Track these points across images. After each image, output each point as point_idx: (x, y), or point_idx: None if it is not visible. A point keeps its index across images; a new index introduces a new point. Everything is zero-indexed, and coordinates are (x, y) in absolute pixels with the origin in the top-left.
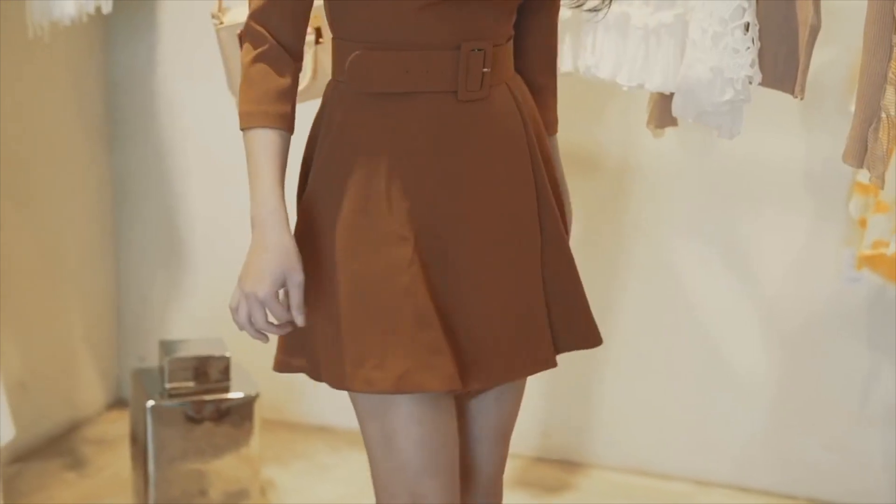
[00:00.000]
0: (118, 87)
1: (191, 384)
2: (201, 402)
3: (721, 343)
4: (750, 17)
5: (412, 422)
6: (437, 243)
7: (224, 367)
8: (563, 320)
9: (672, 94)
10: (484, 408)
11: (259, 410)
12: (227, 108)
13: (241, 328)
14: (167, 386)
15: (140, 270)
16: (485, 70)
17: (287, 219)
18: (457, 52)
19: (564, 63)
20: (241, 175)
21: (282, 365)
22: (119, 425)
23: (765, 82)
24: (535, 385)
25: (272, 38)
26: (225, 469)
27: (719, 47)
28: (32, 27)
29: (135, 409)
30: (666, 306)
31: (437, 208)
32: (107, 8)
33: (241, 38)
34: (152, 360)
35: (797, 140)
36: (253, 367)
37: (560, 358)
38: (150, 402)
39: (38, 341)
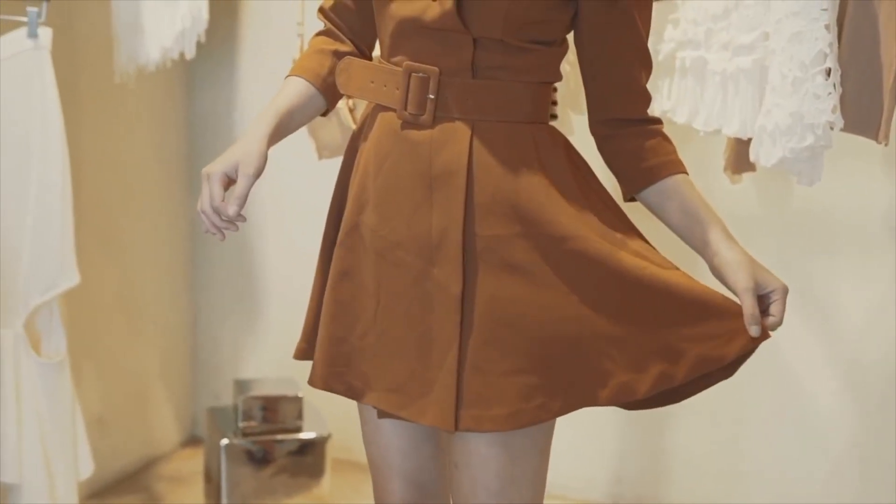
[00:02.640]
0: (198, 131)
1: (264, 423)
2: (274, 442)
3: (799, 394)
4: (832, 61)
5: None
6: (362, 256)
7: (297, 406)
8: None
9: (750, 140)
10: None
11: (331, 450)
12: (303, 150)
13: (199, 212)
14: (241, 425)
15: (215, 310)
16: (430, 96)
17: (267, 128)
18: (405, 71)
19: None
20: (314, 219)
21: (298, 352)
22: (193, 463)
23: (847, 128)
24: (608, 430)
25: (331, 25)
26: None
27: (800, 93)
28: (119, 72)
29: (209, 447)
30: None
31: (367, 224)
32: (190, 53)
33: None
34: (226, 398)
35: (879, 187)
36: (325, 407)
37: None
38: (224, 441)
39: (116, 378)
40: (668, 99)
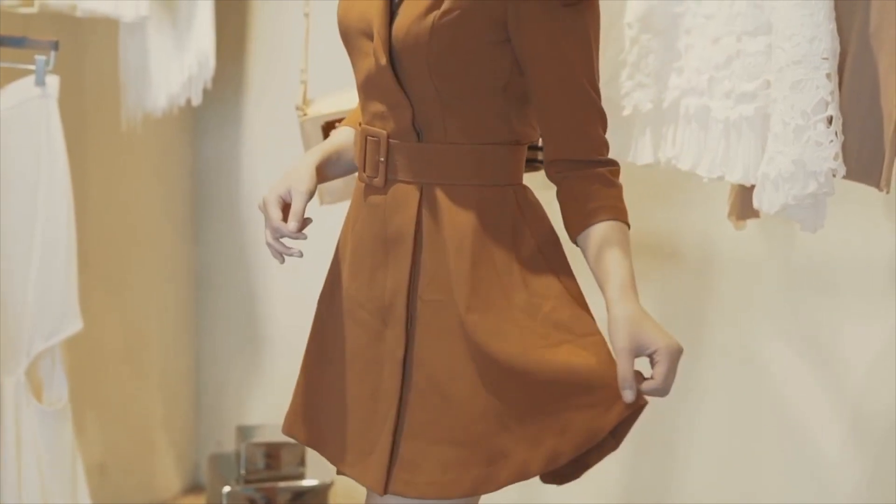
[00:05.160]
0: (204, 177)
1: (266, 470)
2: (276, 489)
3: (805, 437)
4: (833, 110)
5: None
6: (335, 313)
7: (299, 453)
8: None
9: (753, 186)
10: None
11: (333, 497)
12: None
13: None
14: (243, 472)
15: (218, 356)
16: (380, 159)
17: (315, 157)
18: (361, 135)
19: (644, 155)
20: (318, 265)
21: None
22: None
23: (849, 175)
24: (613, 470)
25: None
26: None
27: (802, 140)
28: (126, 119)
29: (211, 495)
30: (747, 398)
31: (342, 282)
32: (197, 100)
33: (324, 130)
34: (229, 445)
35: (882, 234)
36: None
37: (640, 443)
38: (226, 488)
39: (118, 424)
40: (672, 146)
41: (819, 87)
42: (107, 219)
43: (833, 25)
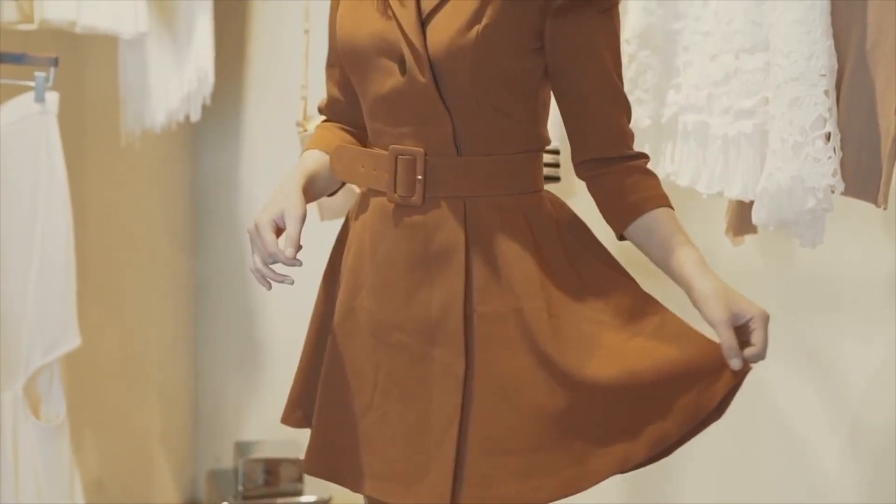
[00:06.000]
0: (203, 193)
1: (265, 486)
2: None
3: (804, 451)
4: (831, 126)
5: None
6: (357, 341)
7: (298, 469)
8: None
9: (752, 202)
10: None
11: None
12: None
13: (251, 270)
14: (241, 488)
15: (217, 372)
16: (418, 177)
17: (299, 181)
18: (391, 155)
19: None
20: (317, 280)
21: (287, 418)
22: None
23: (847, 192)
24: (612, 488)
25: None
26: None
27: (800, 156)
28: (125, 135)
29: None
30: (746, 412)
31: (364, 308)
32: (195, 116)
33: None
34: (227, 461)
35: (881, 249)
36: None
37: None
38: None
39: (116, 440)
40: (671, 162)
41: (817, 104)
42: (106, 234)
43: (830, 42)
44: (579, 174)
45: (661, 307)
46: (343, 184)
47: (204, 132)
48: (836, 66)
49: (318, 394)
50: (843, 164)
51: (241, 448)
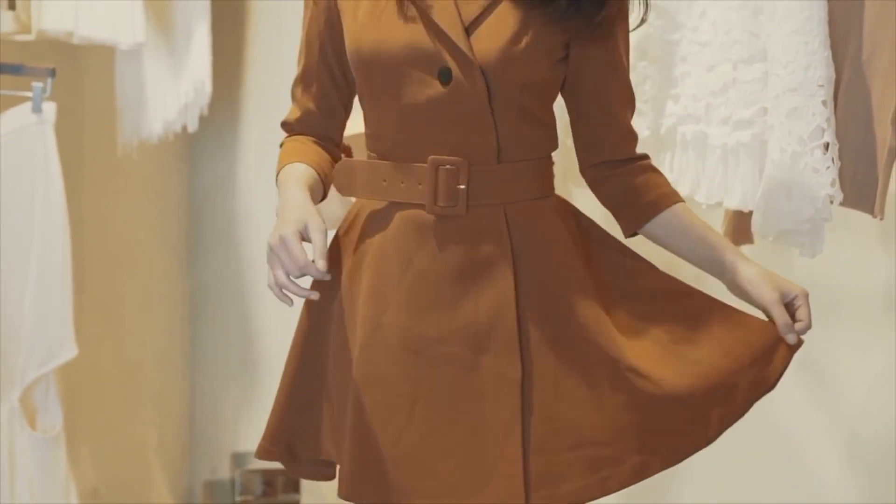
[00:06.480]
0: (199, 203)
1: (261, 497)
2: None
3: (803, 461)
4: (830, 136)
5: None
6: (387, 359)
7: (294, 480)
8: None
9: (749, 212)
10: None
11: None
12: None
13: (270, 286)
14: (238, 499)
15: (214, 382)
16: (460, 187)
17: (306, 191)
18: (431, 166)
19: None
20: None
21: (261, 452)
22: None
23: (844, 202)
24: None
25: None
26: None
27: (799, 166)
28: (122, 145)
29: None
30: (745, 422)
31: (393, 324)
32: (193, 126)
33: None
34: (223, 472)
35: (878, 259)
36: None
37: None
38: None
39: (112, 450)
40: (669, 172)
41: (815, 114)
42: (103, 245)
43: (828, 53)
44: (590, 177)
45: (698, 291)
46: (323, 198)
47: (201, 142)
48: (833, 77)
49: (349, 416)
50: (839, 174)
51: (238, 459)
